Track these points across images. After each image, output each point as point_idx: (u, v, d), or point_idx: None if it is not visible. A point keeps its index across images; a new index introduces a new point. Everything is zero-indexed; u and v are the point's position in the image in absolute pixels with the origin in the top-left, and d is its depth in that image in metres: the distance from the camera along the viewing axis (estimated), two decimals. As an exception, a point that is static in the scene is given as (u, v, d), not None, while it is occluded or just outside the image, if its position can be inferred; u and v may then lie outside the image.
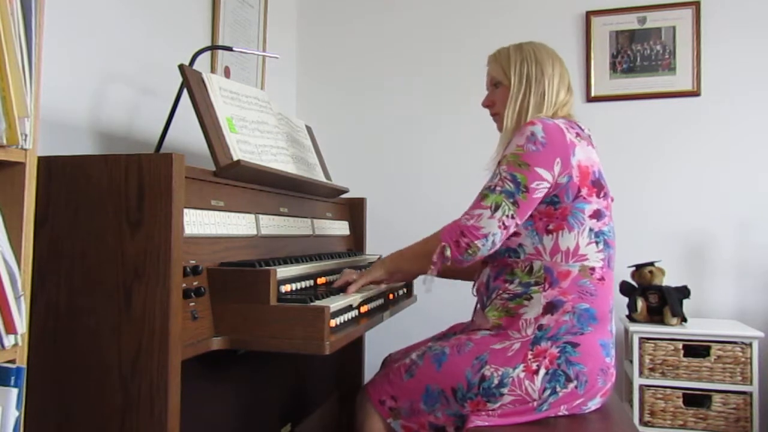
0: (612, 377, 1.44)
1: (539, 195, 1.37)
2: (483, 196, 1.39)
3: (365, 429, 1.50)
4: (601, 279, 1.42)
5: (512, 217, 1.36)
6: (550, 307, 1.39)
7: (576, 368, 1.36)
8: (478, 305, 1.55)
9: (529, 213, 1.39)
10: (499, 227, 1.36)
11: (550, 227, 1.40)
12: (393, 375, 1.51)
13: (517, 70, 1.53)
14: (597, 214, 1.41)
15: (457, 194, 2.81)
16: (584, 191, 1.40)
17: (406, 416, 1.45)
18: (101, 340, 1.12)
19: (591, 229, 1.40)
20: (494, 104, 1.60)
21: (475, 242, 1.36)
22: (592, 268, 1.41)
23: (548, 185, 1.37)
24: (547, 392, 1.35)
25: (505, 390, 1.35)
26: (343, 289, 1.54)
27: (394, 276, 1.59)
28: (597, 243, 1.41)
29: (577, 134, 1.44)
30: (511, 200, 1.36)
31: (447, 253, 1.38)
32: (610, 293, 1.45)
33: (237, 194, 1.44)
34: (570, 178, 1.38)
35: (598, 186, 1.42)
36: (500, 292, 1.45)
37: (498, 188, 1.37)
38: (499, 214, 1.36)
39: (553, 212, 1.39)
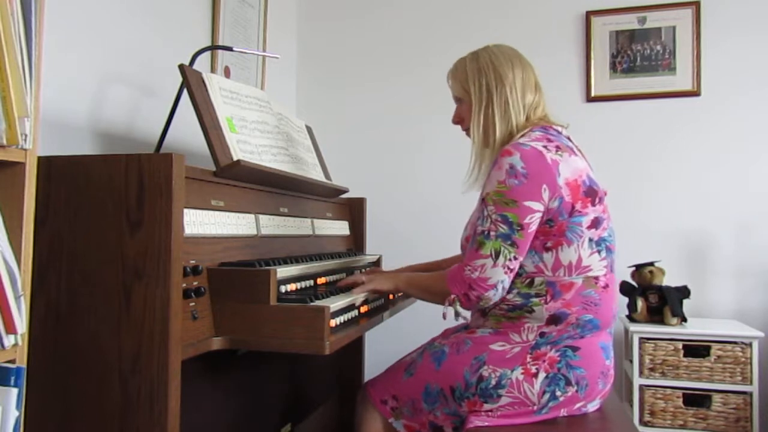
0: (611, 379, 1.43)
1: (534, 228, 1.35)
2: (480, 243, 1.35)
3: (364, 427, 1.50)
4: (606, 287, 1.39)
5: (514, 259, 1.34)
6: (554, 320, 1.36)
7: (577, 372, 1.35)
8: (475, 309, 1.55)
9: (528, 245, 1.36)
10: (505, 273, 1.34)
11: (549, 244, 1.36)
12: (393, 374, 1.51)
13: (476, 83, 1.49)
14: (595, 223, 1.38)
15: (457, 194, 2.82)
16: (578, 205, 1.35)
17: (408, 416, 1.45)
18: (101, 340, 1.12)
19: (591, 239, 1.37)
20: (463, 120, 1.57)
21: (486, 294, 1.35)
22: (596, 278, 1.38)
23: (541, 214, 1.34)
24: (547, 396, 1.34)
25: (502, 391, 1.34)
26: (347, 288, 1.54)
27: (399, 293, 1.63)
28: (599, 251, 1.38)
29: (557, 147, 1.38)
30: (509, 242, 1.33)
31: (457, 307, 1.39)
32: (614, 299, 1.43)
33: (237, 194, 1.44)
34: (562, 200, 1.34)
35: (591, 194, 1.38)
36: (499, 301, 1.41)
37: (492, 233, 1.34)
38: (501, 260, 1.33)
39: (549, 230, 1.36)
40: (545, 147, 1.36)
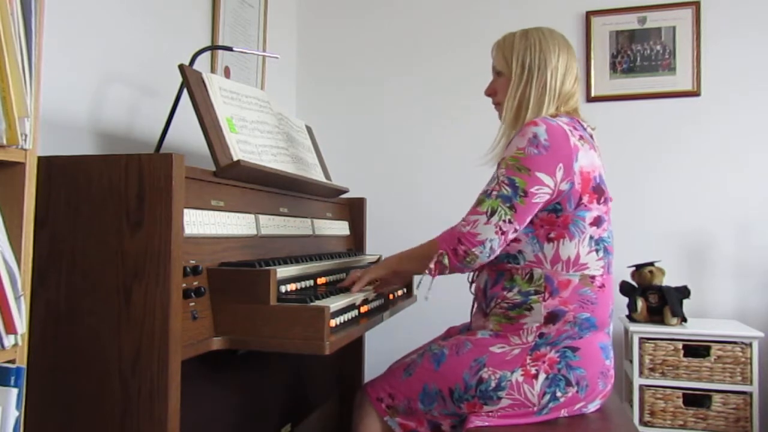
0: (611, 379, 1.43)
1: (539, 200, 1.34)
2: (479, 201, 1.36)
3: (361, 427, 1.50)
4: (602, 286, 1.40)
5: (509, 222, 1.33)
6: (552, 317, 1.37)
7: (577, 373, 1.35)
8: (476, 308, 1.55)
9: (529, 218, 1.36)
10: (496, 233, 1.33)
11: (551, 235, 1.37)
12: (391, 374, 1.51)
13: (519, 60, 1.48)
14: (597, 221, 1.39)
15: (457, 194, 2.82)
16: (585, 198, 1.37)
17: (403, 414, 1.45)
18: (101, 340, 1.12)
19: (591, 237, 1.38)
20: (496, 93, 1.56)
21: (473, 249, 1.33)
22: (593, 277, 1.38)
23: (549, 191, 1.34)
24: (547, 397, 1.34)
25: (502, 393, 1.34)
26: (347, 288, 1.54)
27: (397, 275, 1.58)
28: (597, 251, 1.39)
29: (581, 137, 1.40)
30: (508, 204, 1.33)
31: (445, 261, 1.36)
32: (610, 298, 1.43)
33: (237, 194, 1.44)
34: (572, 185, 1.35)
35: (598, 192, 1.39)
36: (499, 300, 1.42)
37: (494, 192, 1.34)
38: (495, 219, 1.33)
39: (555, 220, 1.36)
40: (570, 131, 1.38)
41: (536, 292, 1.38)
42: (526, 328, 1.38)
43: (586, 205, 1.37)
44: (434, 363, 1.43)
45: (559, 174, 1.33)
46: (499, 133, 1.53)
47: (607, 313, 1.43)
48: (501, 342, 1.40)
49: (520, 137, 1.37)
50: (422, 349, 1.57)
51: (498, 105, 1.57)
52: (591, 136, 1.48)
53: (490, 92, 1.59)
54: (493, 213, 1.33)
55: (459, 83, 2.86)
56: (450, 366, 1.40)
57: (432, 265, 1.38)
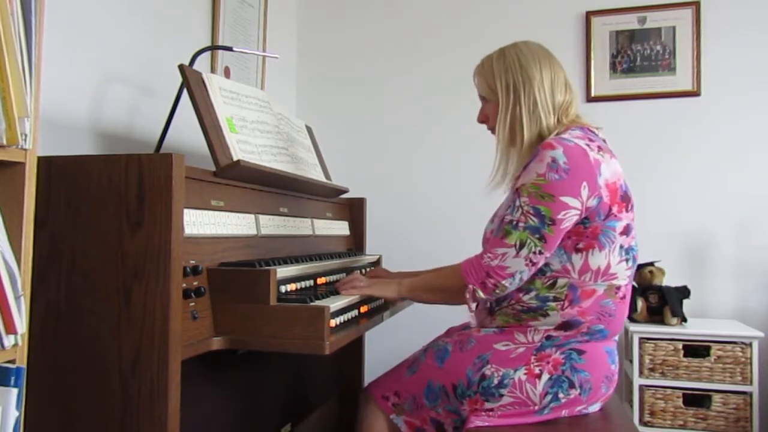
0: (615, 383, 1.43)
1: (568, 224, 1.30)
2: (505, 232, 1.32)
3: (366, 425, 1.50)
4: (623, 297, 1.38)
5: (540, 253, 1.30)
6: (565, 326, 1.35)
7: (581, 375, 1.34)
8: (479, 306, 1.53)
9: (559, 242, 1.32)
10: (527, 265, 1.31)
11: (580, 246, 1.33)
12: (395, 372, 1.51)
13: (503, 82, 1.44)
14: (626, 230, 1.36)
15: (457, 194, 2.83)
16: (615, 208, 1.33)
17: (409, 411, 1.45)
18: (101, 340, 1.12)
19: (621, 246, 1.35)
20: (488, 119, 1.53)
21: (502, 282, 1.32)
22: (618, 287, 1.37)
23: (578, 212, 1.30)
24: (549, 397, 1.33)
25: (504, 391, 1.34)
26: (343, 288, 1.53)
27: (404, 299, 1.57)
28: (627, 260, 1.37)
29: (599, 148, 1.35)
30: (537, 236, 1.29)
31: (479, 295, 1.35)
32: (627, 310, 1.42)
33: (237, 194, 1.44)
34: (600, 199, 1.31)
35: (626, 200, 1.37)
36: (513, 302, 1.40)
37: (521, 224, 1.30)
38: (525, 252, 1.30)
39: (583, 231, 1.33)
40: (588, 145, 1.34)
41: (555, 299, 1.35)
42: (533, 328, 1.37)
43: (615, 215, 1.34)
44: (438, 360, 1.43)
45: (585, 193, 1.30)
46: (498, 158, 1.49)
47: (621, 324, 1.41)
48: (506, 339, 1.39)
49: (537, 162, 1.32)
50: (425, 346, 1.56)
51: (492, 129, 1.53)
52: (604, 141, 1.44)
53: (482, 119, 1.56)
54: (522, 246, 1.30)
55: (459, 83, 2.85)
56: (454, 362, 1.40)
57: (469, 302, 1.37)
